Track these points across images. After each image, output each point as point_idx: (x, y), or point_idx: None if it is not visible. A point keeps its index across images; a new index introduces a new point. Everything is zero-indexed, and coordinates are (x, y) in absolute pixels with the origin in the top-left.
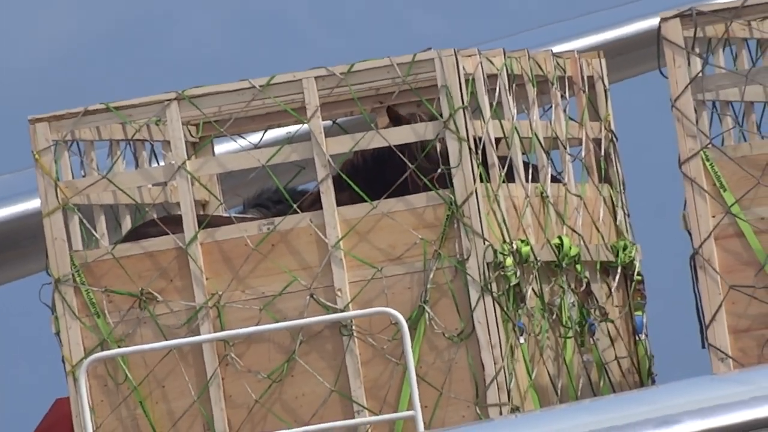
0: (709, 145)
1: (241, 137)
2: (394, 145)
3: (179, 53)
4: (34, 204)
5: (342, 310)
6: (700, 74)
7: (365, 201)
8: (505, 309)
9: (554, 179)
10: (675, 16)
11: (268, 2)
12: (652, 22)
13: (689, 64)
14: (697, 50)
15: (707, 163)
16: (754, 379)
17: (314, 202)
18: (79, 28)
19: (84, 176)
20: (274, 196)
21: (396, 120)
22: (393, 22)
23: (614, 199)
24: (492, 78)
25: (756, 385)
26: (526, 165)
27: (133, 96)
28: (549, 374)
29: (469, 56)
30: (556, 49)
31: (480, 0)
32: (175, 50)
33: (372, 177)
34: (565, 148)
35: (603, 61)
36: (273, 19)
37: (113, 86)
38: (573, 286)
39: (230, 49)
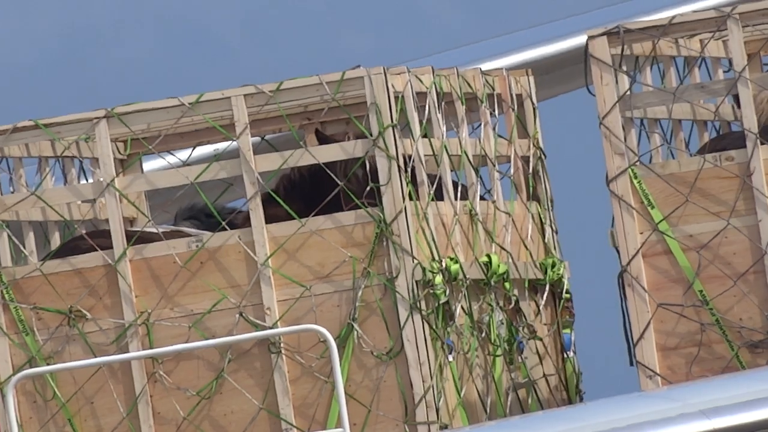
0: (637, 163)
1: (170, 154)
2: (325, 163)
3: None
4: None
5: (270, 328)
6: (628, 92)
7: (297, 216)
8: (434, 327)
9: (482, 197)
10: (602, 34)
11: (197, 17)
12: (580, 39)
13: (617, 81)
14: (624, 68)
15: (635, 181)
16: (682, 396)
17: (247, 219)
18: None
19: (12, 192)
20: (206, 209)
21: (323, 141)
22: (322, 39)
23: (542, 216)
24: (421, 96)
25: (684, 401)
26: (455, 183)
27: (65, 110)
28: (478, 392)
29: (399, 74)
30: (485, 66)
31: (408, 18)
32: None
33: (309, 192)
34: (494, 166)
35: (531, 78)
36: (201, 33)
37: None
38: (502, 303)
39: (162, 64)
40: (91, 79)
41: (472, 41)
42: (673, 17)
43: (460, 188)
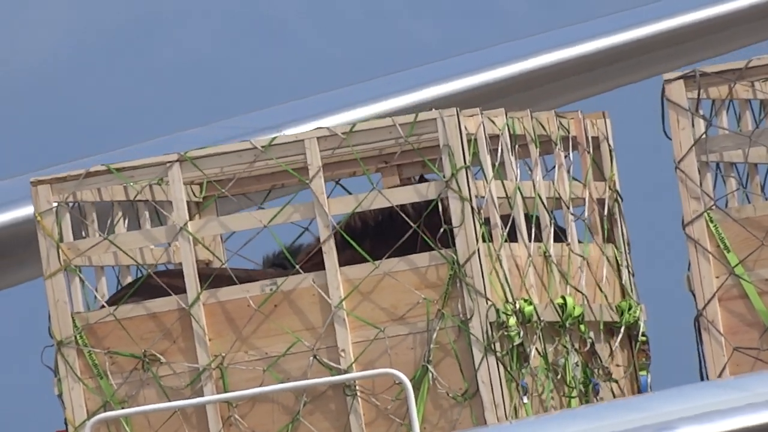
0: (713, 207)
1: (245, 197)
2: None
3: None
4: (27, 211)
5: (345, 371)
6: (704, 136)
7: (366, 260)
8: (508, 369)
9: (558, 238)
10: (678, 78)
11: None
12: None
13: (693, 125)
14: (700, 112)
15: (711, 225)
16: (749, 386)
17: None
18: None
19: (85, 237)
20: (292, 253)
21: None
22: (393, 29)
23: (619, 258)
24: (494, 139)
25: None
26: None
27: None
28: None
29: (471, 116)
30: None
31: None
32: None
33: (378, 235)
34: (568, 208)
35: (608, 121)
36: (266, 20)
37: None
38: (577, 345)
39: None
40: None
41: (538, 31)
42: (750, 61)
43: (533, 229)
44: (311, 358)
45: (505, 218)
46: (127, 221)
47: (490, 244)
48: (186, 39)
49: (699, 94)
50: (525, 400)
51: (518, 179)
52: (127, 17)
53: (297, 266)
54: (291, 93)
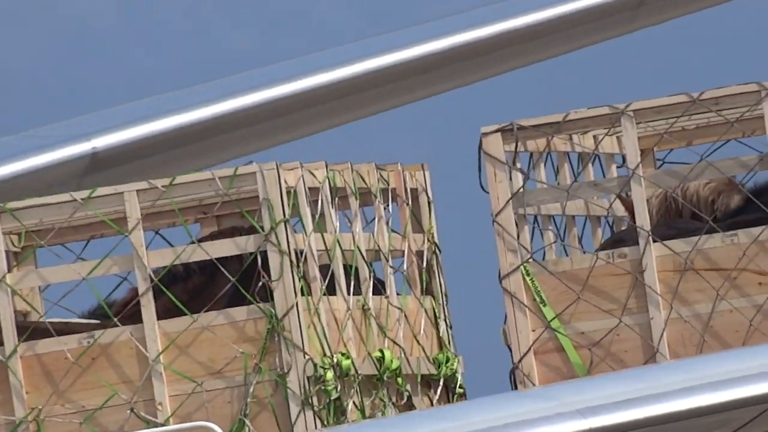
0: (530, 260)
1: (64, 247)
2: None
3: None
4: None
5: (162, 424)
6: (521, 189)
7: (181, 310)
8: (325, 423)
9: (377, 291)
10: (496, 131)
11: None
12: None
13: (511, 178)
14: (518, 165)
15: (528, 278)
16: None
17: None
18: None
19: None
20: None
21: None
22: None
23: (437, 311)
24: (314, 191)
25: (560, 401)
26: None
27: None
28: None
29: (291, 169)
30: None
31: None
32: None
33: (197, 286)
34: (387, 260)
35: (427, 173)
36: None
37: None
38: (394, 399)
39: None
40: None
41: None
42: (567, 114)
43: (352, 281)
44: (128, 411)
45: (324, 270)
46: None
47: (309, 297)
48: None
49: (516, 147)
50: None
51: (338, 232)
52: None
53: (115, 319)
54: (105, 103)
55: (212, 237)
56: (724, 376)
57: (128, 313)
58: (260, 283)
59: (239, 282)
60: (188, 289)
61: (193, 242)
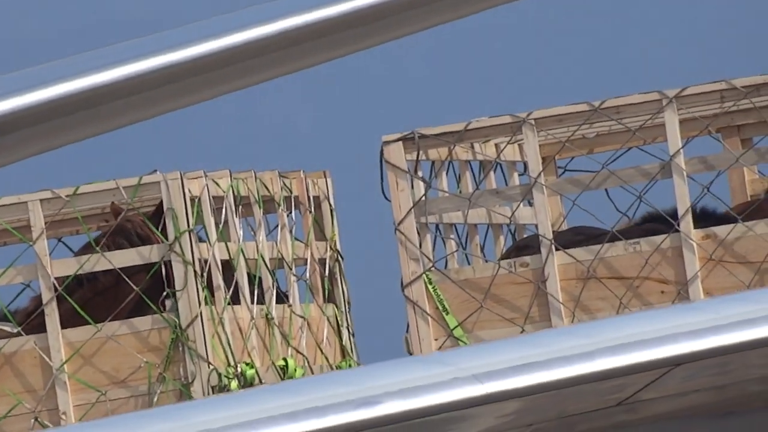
0: (432, 268)
1: None
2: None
3: None
4: None
5: None
6: (423, 198)
7: (83, 317)
8: None
9: (280, 299)
10: (398, 140)
11: None
12: None
13: (413, 187)
14: (420, 173)
15: (430, 286)
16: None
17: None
18: None
19: None
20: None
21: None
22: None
23: (339, 319)
24: (219, 199)
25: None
26: (252, 286)
27: None
28: None
29: (195, 178)
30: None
31: None
32: None
33: (105, 286)
34: (291, 269)
35: (329, 180)
36: None
37: None
38: None
39: None
40: None
41: None
42: (469, 123)
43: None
44: (32, 420)
45: (228, 279)
46: None
47: (213, 307)
48: None
49: (418, 156)
50: None
51: (241, 240)
52: None
53: (19, 328)
54: None
55: (104, 236)
56: (623, 341)
57: (33, 322)
58: (164, 294)
59: (145, 290)
60: (96, 289)
61: (96, 252)
